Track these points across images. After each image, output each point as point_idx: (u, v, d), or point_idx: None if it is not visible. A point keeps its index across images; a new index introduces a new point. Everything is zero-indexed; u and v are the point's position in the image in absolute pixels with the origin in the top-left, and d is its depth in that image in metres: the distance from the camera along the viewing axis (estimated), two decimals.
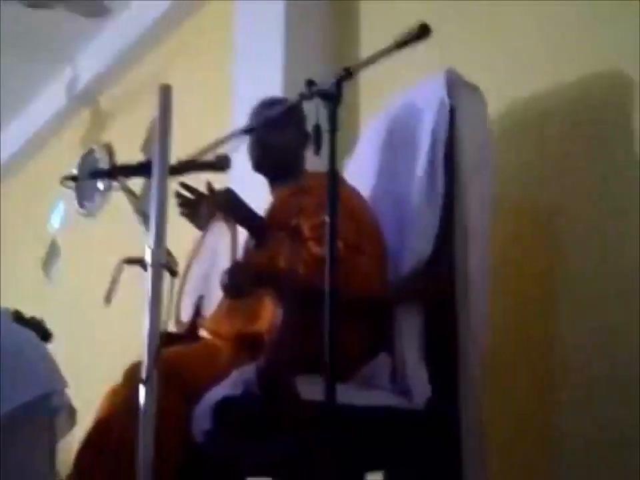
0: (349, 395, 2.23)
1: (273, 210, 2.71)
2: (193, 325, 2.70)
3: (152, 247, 1.83)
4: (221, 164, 2.51)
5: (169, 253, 1.84)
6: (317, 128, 1.97)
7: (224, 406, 2.26)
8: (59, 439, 3.08)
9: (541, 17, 2.95)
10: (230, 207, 2.61)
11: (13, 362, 2.52)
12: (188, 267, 2.80)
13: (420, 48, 1.90)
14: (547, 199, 2.86)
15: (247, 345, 2.52)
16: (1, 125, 6.64)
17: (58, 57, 5.97)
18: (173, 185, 2.14)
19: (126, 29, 5.48)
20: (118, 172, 2.33)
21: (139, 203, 2.12)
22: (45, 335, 3.38)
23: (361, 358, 2.50)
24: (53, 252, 6.43)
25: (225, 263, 2.50)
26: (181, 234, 2.71)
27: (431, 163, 2.64)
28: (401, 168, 2.76)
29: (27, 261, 6.66)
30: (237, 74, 4.14)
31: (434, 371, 2.50)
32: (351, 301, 2.21)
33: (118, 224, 5.15)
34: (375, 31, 3.74)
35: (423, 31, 1.88)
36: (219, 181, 2.75)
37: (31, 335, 2.79)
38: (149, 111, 4.91)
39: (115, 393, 2.44)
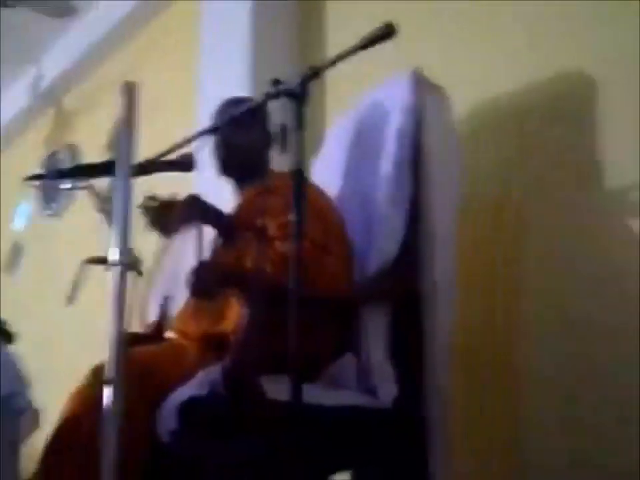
0: (316, 394, 2.23)
1: (239, 210, 2.70)
2: (159, 326, 2.68)
3: (116, 246, 1.81)
4: (186, 163, 2.49)
5: (132, 253, 1.83)
6: (284, 127, 1.97)
7: (189, 406, 2.25)
8: (22, 440, 3.06)
9: (513, 15, 2.97)
10: (197, 212, 2.60)
11: None
12: (154, 267, 2.78)
13: (387, 47, 1.90)
14: (517, 195, 2.89)
15: (213, 344, 2.52)
16: None
17: (22, 57, 5.93)
18: (140, 190, 2.11)
19: (91, 29, 5.45)
20: (82, 172, 2.31)
21: (102, 203, 2.10)
22: (8, 336, 3.35)
23: (327, 358, 2.50)
24: (16, 252, 6.38)
25: (191, 263, 2.49)
26: (146, 234, 2.69)
27: (398, 163, 2.63)
28: (368, 168, 2.75)
29: None
30: (203, 73, 4.13)
31: (400, 371, 2.50)
32: (317, 300, 2.20)
33: (83, 224, 5.12)
34: (341, 30, 3.76)
35: (388, 31, 1.88)
36: (185, 178, 2.73)
37: None
38: (114, 110, 4.90)
39: (80, 393, 2.42)
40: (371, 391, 2.48)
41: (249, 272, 2.40)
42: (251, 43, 3.87)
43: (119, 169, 1.86)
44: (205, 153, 2.70)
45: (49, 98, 6.12)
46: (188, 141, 2.42)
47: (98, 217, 2.16)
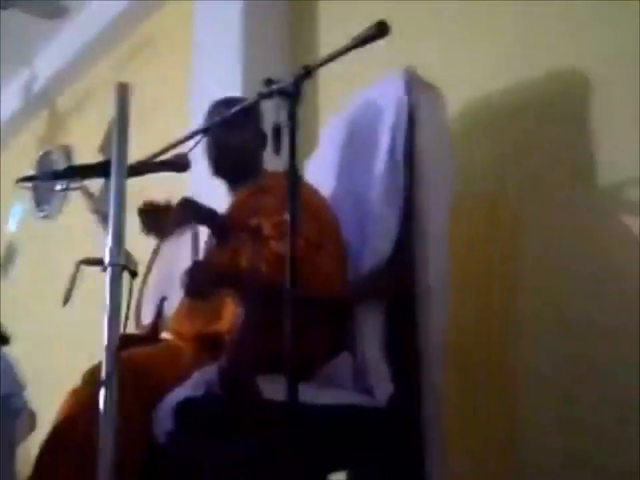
0: (311, 394, 2.22)
1: (233, 210, 2.70)
2: (155, 327, 2.68)
3: (110, 247, 1.81)
4: (180, 164, 2.49)
5: (127, 254, 1.83)
6: (277, 127, 1.97)
7: (185, 407, 2.24)
8: (18, 442, 3.06)
9: (509, 13, 2.97)
10: (191, 213, 2.60)
11: None
12: (148, 269, 2.78)
13: (379, 45, 1.90)
14: (513, 193, 2.89)
15: (207, 344, 2.51)
16: None
17: (15, 58, 5.92)
18: (134, 191, 2.11)
19: (84, 30, 5.45)
20: (75, 173, 2.31)
21: (96, 204, 2.10)
22: (4, 338, 3.35)
23: (322, 357, 2.50)
24: (10, 254, 6.37)
25: (186, 263, 2.49)
26: (141, 235, 2.69)
27: (391, 162, 2.64)
28: (362, 167, 2.76)
29: None
30: (196, 73, 4.13)
31: (396, 369, 2.51)
32: (312, 299, 2.21)
33: (77, 225, 5.12)
34: (333, 30, 3.76)
35: (381, 29, 1.88)
36: (179, 179, 2.73)
37: None
38: (107, 111, 4.90)
39: (76, 393, 2.41)
40: (367, 390, 2.48)
41: (244, 271, 2.40)
42: (243, 43, 3.87)
43: (113, 170, 1.86)
44: (199, 153, 2.70)
45: (42, 99, 6.11)
46: (180, 142, 2.42)
47: (92, 218, 2.16)
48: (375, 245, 2.60)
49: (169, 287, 2.60)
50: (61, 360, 5.10)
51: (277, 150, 1.94)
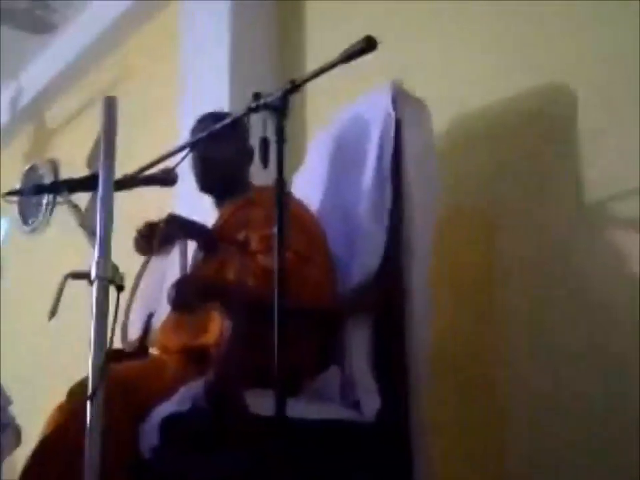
0: (299, 408, 2.22)
1: (221, 224, 2.70)
2: (142, 343, 2.67)
3: (97, 260, 1.80)
4: (168, 178, 2.49)
5: (115, 268, 1.82)
6: (265, 141, 1.96)
7: (171, 422, 2.23)
8: (4, 456, 3.03)
9: (489, 28, 2.99)
10: (178, 228, 2.59)
11: None
12: (136, 284, 2.77)
13: (366, 58, 1.90)
14: (490, 206, 2.89)
15: (194, 358, 2.51)
16: None
17: (2, 72, 5.90)
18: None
19: (71, 45, 5.44)
20: (62, 186, 2.30)
21: (83, 217, 2.09)
22: None
23: (310, 371, 2.50)
24: None
25: (174, 278, 2.48)
26: (128, 250, 2.68)
27: (378, 177, 2.65)
28: (349, 182, 2.76)
29: None
30: (183, 88, 4.12)
31: (383, 383, 2.50)
32: (300, 312, 2.20)
33: (63, 239, 5.10)
34: (320, 42, 3.76)
35: (369, 44, 1.89)
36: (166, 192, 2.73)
37: None
38: (94, 126, 4.88)
39: (62, 408, 2.40)
40: (355, 404, 2.48)
41: (231, 285, 2.39)
42: (230, 56, 3.87)
43: (100, 183, 1.85)
44: (186, 168, 2.70)
45: (29, 113, 6.09)
46: (167, 156, 2.41)
47: (78, 233, 2.14)
48: (363, 261, 2.60)
49: (156, 302, 2.59)
50: (47, 374, 5.07)
51: (265, 163, 1.93)
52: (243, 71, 3.86)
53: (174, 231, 2.59)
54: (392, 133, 2.63)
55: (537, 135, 2.79)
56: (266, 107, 1.99)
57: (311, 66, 3.65)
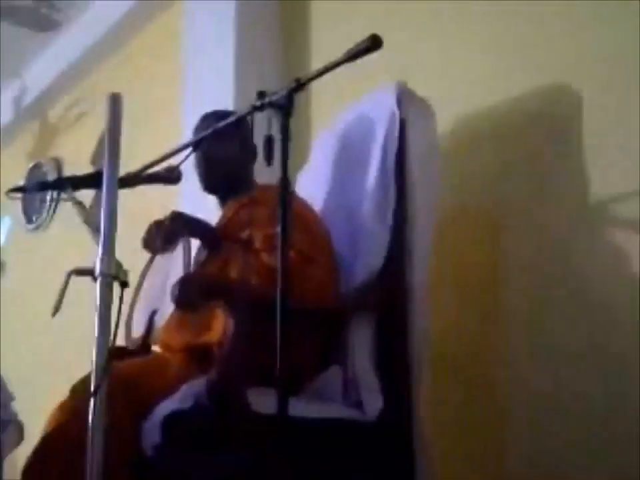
0: (301, 407, 2.22)
1: (224, 222, 2.70)
2: (145, 340, 2.67)
3: (101, 257, 1.80)
4: (172, 176, 2.49)
5: (118, 264, 1.82)
6: (269, 139, 1.96)
7: (173, 420, 2.23)
8: (6, 453, 3.03)
9: (492, 29, 2.99)
10: (181, 226, 2.60)
11: None
12: (140, 282, 2.78)
13: (371, 57, 1.90)
14: (495, 206, 2.89)
15: (197, 356, 2.51)
16: None
17: (6, 71, 5.91)
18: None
19: (75, 43, 5.44)
20: (66, 183, 2.30)
21: (87, 214, 2.09)
22: None
23: (313, 370, 2.50)
24: None
25: (178, 276, 2.48)
26: (132, 248, 2.68)
27: (382, 177, 2.65)
28: (353, 181, 2.76)
29: None
30: (187, 88, 4.12)
31: (385, 382, 2.50)
32: (303, 311, 2.20)
33: (66, 238, 5.11)
34: (325, 41, 3.76)
35: (374, 43, 1.89)
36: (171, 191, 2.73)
37: None
38: (98, 124, 4.89)
39: (64, 405, 2.40)
40: (357, 404, 2.48)
41: (234, 283, 2.39)
42: (235, 54, 3.87)
43: (104, 180, 1.85)
44: (189, 167, 2.70)
45: (33, 111, 6.10)
46: (170, 155, 2.41)
47: (81, 230, 2.15)
48: (367, 260, 2.60)
49: (160, 300, 2.59)
50: (49, 371, 5.08)
51: (269, 162, 1.93)
52: (247, 70, 3.86)
53: (178, 228, 2.59)
54: (396, 133, 2.63)
55: (540, 135, 2.79)
56: (271, 105, 1.99)
57: (316, 66, 3.63)
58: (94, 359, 1.80)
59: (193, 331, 2.55)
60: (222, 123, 2.40)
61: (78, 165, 5.17)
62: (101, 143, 5.04)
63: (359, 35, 1.92)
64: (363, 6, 3.51)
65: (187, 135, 2.92)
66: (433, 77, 3.08)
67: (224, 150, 2.73)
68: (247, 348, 2.28)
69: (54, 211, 5.77)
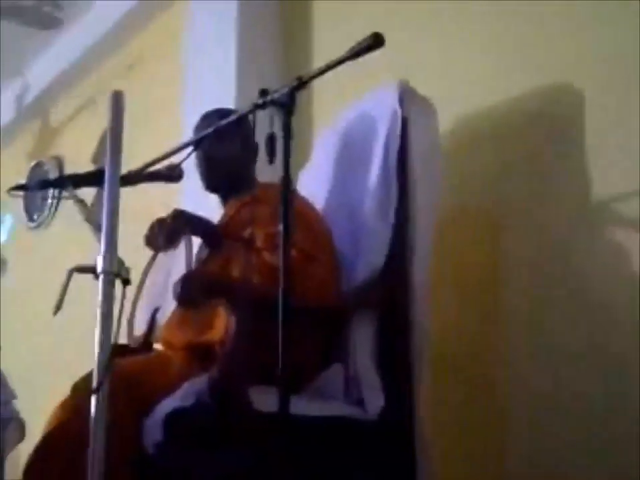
0: (302, 405, 2.22)
1: (226, 221, 2.70)
2: (147, 338, 2.67)
3: (103, 254, 1.80)
4: (174, 175, 2.49)
5: (120, 262, 1.82)
6: (271, 137, 1.96)
7: (174, 417, 2.24)
8: (8, 450, 3.04)
9: (492, 29, 2.99)
10: (183, 224, 2.60)
11: None
12: (142, 279, 2.78)
13: (373, 56, 1.91)
14: (495, 206, 2.89)
15: (198, 354, 2.51)
16: None
17: (8, 69, 5.91)
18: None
19: (77, 42, 5.44)
20: (67, 181, 2.30)
21: (89, 212, 2.09)
22: None
23: (314, 368, 2.50)
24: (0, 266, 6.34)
25: (180, 274, 2.49)
26: (134, 246, 2.69)
27: (384, 175, 2.65)
28: (355, 180, 2.76)
29: None
30: (188, 87, 4.13)
31: (387, 380, 2.50)
32: (305, 309, 2.21)
33: (68, 236, 5.11)
34: (326, 41, 3.76)
35: (376, 41, 1.89)
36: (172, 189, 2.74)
37: None
38: (99, 123, 4.90)
39: (66, 403, 2.40)
40: (358, 402, 2.48)
41: (236, 281, 2.40)
42: (236, 52, 3.87)
43: (106, 177, 1.86)
44: (190, 164, 2.70)
45: (34, 110, 6.10)
46: (171, 153, 2.42)
47: (83, 229, 2.15)
48: (368, 259, 2.60)
49: (162, 297, 2.59)
50: (50, 369, 5.08)
51: (272, 160, 1.93)
52: (248, 70, 3.86)
53: (180, 226, 2.59)
54: (398, 131, 2.64)
55: (541, 135, 2.79)
56: (273, 103, 2.00)
57: (317, 65, 3.62)
58: (96, 356, 1.80)
59: (195, 329, 2.55)
60: (223, 122, 2.40)
61: (79, 163, 5.18)
62: (102, 141, 5.05)
63: (360, 35, 1.92)
64: (364, 6, 3.52)
65: (188, 134, 2.92)
66: (433, 76, 3.08)
67: (225, 149, 2.74)
68: (248, 346, 2.28)
69: (55, 209, 5.77)
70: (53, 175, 5.71)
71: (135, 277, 2.04)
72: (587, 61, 2.65)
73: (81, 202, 2.22)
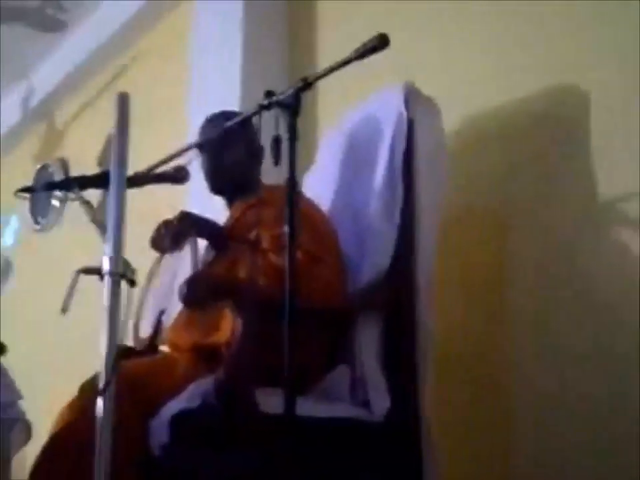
0: (308, 407, 2.22)
1: (232, 223, 2.71)
2: (152, 341, 2.67)
3: (109, 255, 1.81)
4: (180, 176, 2.50)
5: (127, 263, 1.83)
6: (277, 139, 1.97)
7: (181, 419, 2.24)
8: (14, 452, 3.04)
9: (497, 30, 2.99)
10: (189, 226, 2.60)
11: None
12: (148, 282, 2.78)
13: (378, 56, 1.91)
14: (501, 206, 2.89)
15: (205, 356, 2.51)
16: None
17: (14, 72, 5.92)
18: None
19: (82, 45, 5.45)
20: (73, 183, 2.30)
21: (95, 214, 2.09)
22: (0, 348, 3.34)
23: (320, 370, 2.50)
24: (5, 269, 6.34)
25: (186, 275, 2.49)
26: (140, 247, 2.69)
27: (390, 176, 2.65)
28: (361, 181, 2.77)
29: None
30: (193, 86, 4.13)
31: (393, 381, 2.50)
32: (311, 311, 2.21)
33: (74, 238, 5.11)
34: (331, 41, 3.76)
35: (381, 42, 1.89)
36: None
37: None
38: (104, 125, 4.90)
39: (73, 404, 2.41)
40: (364, 403, 2.48)
41: (242, 283, 2.40)
42: (241, 54, 3.87)
43: (112, 177, 1.86)
44: (196, 166, 2.70)
45: (40, 113, 6.11)
46: (176, 155, 2.42)
47: (88, 231, 2.15)
48: (374, 260, 2.60)
49: (168, 299, 2.59)
50: (57, 371, 5.09)
51: (277, 161, 1.94)
52: (253, 70, 3.86)
53: (186, 228, 2.60)
54: (404, 132, 2.64)
55: (546, 136, 2.79)
56: (278, 104, 2.00)
57: (322, 65, 3.63)
58: (102, 357, 1.80)
59: (201, 331, 2.55)
60: (228, 124, 2.40)
61: (84, 166, 5.18)
62: (108, 143, 5.05)
63: (365, 35, 1.92)
64: (369, 6, 3.52)
65: (193, 135, 2.92)
66: (438, 77, 3.09)
67: (230, 153, 2.74)
68: (254, 348, 2.28)
69: (61, 212, 5.78)
70: (58, 177, 5.72)
71: (140, 278, 2.05)
72: (588, 62, 2.66)
73: (87, 203, 2.22)
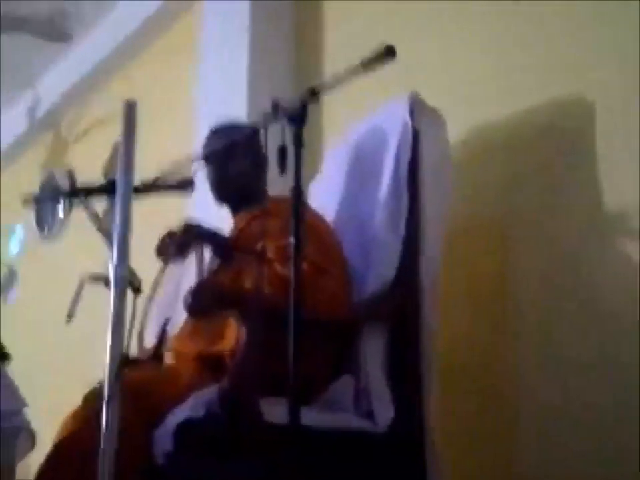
0: (313, 417, 2.22)
1: (236, 234, 2.71)
2: (157, 351, 2.67)
3: (115, 263, 1.81)
4: (186, 186, 2.50)
5: (132, 271, 1.83)
6: (282, 149, 1.97)
7: (185, 427, 2.24)
8: (18, 460, 3.04)
9: (497, 30, 3.00)
10: (194, 236, 2.61)
11: None
12: (153, 290, 2.78)
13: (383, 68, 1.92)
14: (506, 217, 2.90)
15: (209, 365, 2.51)
16: None
17: (20, 82, 5.94)
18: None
19: (88, 54, 5.47)
20: (80, 192, 2.31)
21: (101, 222, 2.10)
22: (4, 355, 3.34)
23: (324, 380, 2.50)
24: (10, 278, 6.36)
25: (189, 285, 2.49)
26: (145, 256, 2.70)
27: (395, 186, 2.65)
28: (366, 192, 2.77)
29: None
30: (200, 92, 4.14)
31: (397, 392, 2.50)
32: (316, 321, 2.21)
33: (79, 248, 5.12)
34: (338, 43, 3.75)
35: (388, 53, 1.89)
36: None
37: None
38: (111, 136, 4.91)
39: (77, 413, 2.41)
40: (368, 414, 2.48)
41: (247, 292, 2.40)
42: (248, 58, 3.87)
43: (118, 185, 1.87)
44: (202, 176, 2.71)
45: (46, 123, 6.13)
46: (182, 164, 2.43)
47: (93, 241, 2.16)
48: (379, 271, 2.61)
49: (172, 308, 2.60)
50: (61, 378, 5.09)
51: (283, 171, 1.94)
52: (260, 70, 3.85)
53: (190, 239, 2.60)
54: (409, 143, 2.64)
55: (551, 147, 2.80)
56: (285, 115, 2.00)
57: (329, 67, 3.66)
58: (106, 365, 1.81)
59: (206, 340, 2.55)
60: (230, 139, 2.41)
61: (90, 176, 5.19)
62: (113, 153, 5.06)
63: (372, 37, 1.93)
64: (375, 7, 3.52)
65: (200, 139, 2.93)
66: (444, 87, 3.09)
67: (235, 165, 2.75)
68: (259, 357, 2.28)
69: (67, 221, 5.79)
70: (64, 186, 5.73)
71: (145, 287, 2.05)
72: (588, 62, 2.66)
73: (92, 212, 2.23)
